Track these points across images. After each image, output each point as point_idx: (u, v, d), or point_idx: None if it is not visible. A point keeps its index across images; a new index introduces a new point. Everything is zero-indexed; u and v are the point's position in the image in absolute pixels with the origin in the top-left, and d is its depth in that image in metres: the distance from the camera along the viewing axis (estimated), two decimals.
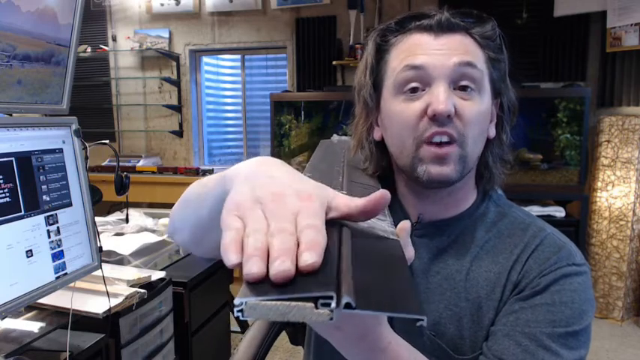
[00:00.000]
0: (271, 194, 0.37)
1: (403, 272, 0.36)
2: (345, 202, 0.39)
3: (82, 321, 1.24)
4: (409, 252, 0.43)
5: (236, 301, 0.29)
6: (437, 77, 0.63)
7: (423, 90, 0.64)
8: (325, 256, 0.33)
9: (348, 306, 0.29)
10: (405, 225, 0.45)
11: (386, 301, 0.31)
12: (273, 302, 0.29)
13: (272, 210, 0.36)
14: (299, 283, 0.30)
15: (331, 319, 0.29)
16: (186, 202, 0.58)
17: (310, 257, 0.31)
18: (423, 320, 0.30)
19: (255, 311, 0.29)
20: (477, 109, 0.65)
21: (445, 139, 0.63)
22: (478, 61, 0.65)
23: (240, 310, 0.29)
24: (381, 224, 0.43)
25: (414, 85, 0.65)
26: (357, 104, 0.75)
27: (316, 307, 0.29)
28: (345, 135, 0.83)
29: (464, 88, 0.64)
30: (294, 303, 0.29)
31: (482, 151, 0.70)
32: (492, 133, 0.71)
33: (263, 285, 0.30)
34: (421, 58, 0.64)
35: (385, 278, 0.35)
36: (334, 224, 0.38)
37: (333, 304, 0.29)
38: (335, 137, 0.88)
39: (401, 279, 0.35)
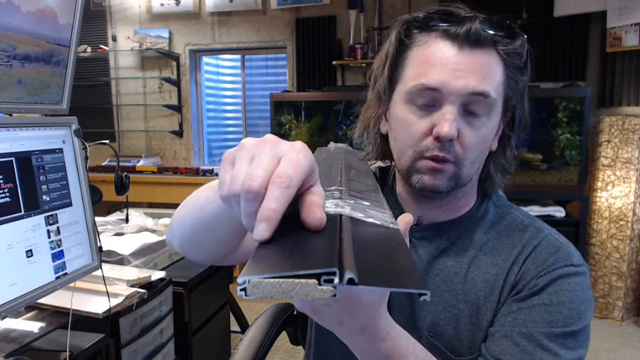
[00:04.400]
0: (263, 137, 0.38)
1: (404, 252, 0.36)
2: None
3: (82, 321, 1.24)
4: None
5: (239, 280, 0.29)
6: (448, 100, 0.63)
7: (434, 106, 0.64)
8: (326, 237, 0.33)
9: (351, 282, 0.29)
10: (408, 218, 0.46)
11: (388, 277, 0.31)
12: (277, 280, 0.29)
13: (258, 150, 0.36)
14: (302, 260, 0.30)
15: (334, 295, 0.29)
16: (190, 205, 0.59)
17: (263, 231, 0.32)
18: (426, 295, 0.30)
19: (259, 289, 0.29)
20: (481, 135, 0.65)
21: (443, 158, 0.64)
22: (494, 86, 0.64)
23: (244, 289, 0.29)
24: (382, 215, 0.44)
25: (425, 102, 0.65)
26: (371, 91, 0.75)
27: (319, 284, 0.29)
28: (345, 135, 0.83)
29: (473, 114, 0.64)
30: (297, 280, 0.29)
31: (483, 162, 0.70)
32: (495, 146, 0.70)
33: (266, 263, 0.30)
34: (437, 78, 0.63)
35: (387, 257, 0.35)
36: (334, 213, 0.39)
37: (336, 280, 0.28)
38: (332, 145, 0.88)
39: (402, 258, 0.35)
